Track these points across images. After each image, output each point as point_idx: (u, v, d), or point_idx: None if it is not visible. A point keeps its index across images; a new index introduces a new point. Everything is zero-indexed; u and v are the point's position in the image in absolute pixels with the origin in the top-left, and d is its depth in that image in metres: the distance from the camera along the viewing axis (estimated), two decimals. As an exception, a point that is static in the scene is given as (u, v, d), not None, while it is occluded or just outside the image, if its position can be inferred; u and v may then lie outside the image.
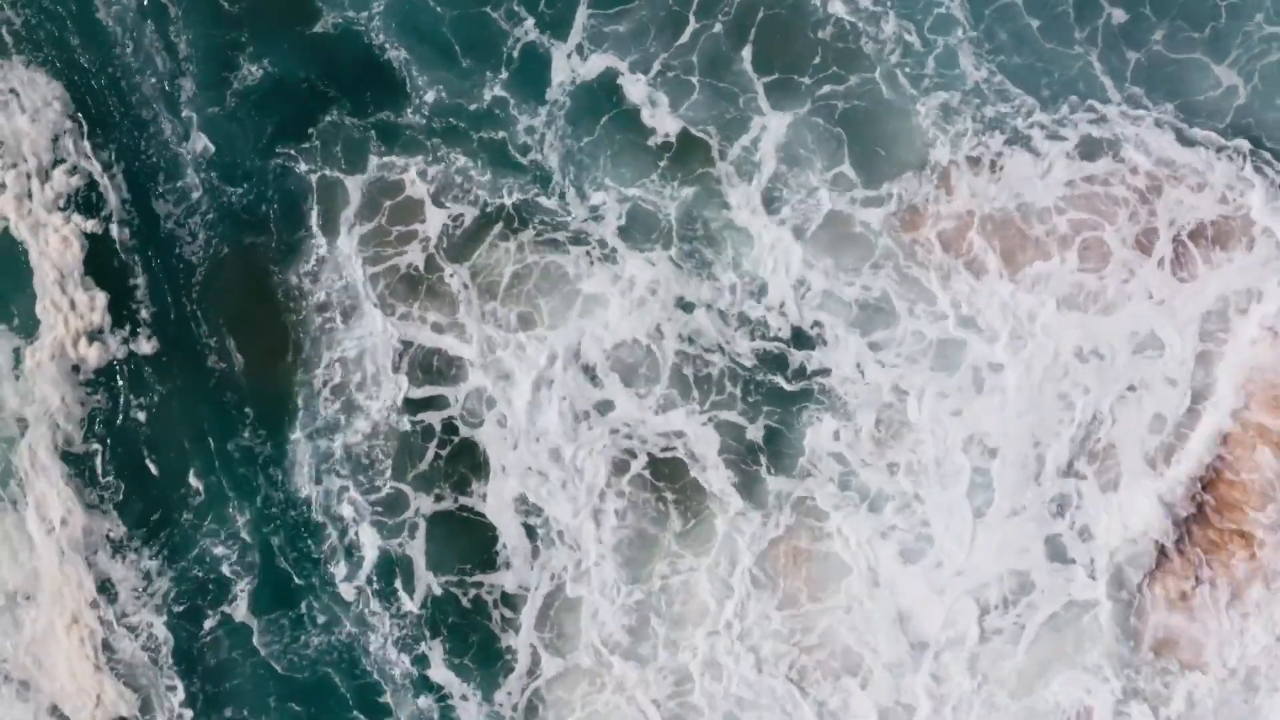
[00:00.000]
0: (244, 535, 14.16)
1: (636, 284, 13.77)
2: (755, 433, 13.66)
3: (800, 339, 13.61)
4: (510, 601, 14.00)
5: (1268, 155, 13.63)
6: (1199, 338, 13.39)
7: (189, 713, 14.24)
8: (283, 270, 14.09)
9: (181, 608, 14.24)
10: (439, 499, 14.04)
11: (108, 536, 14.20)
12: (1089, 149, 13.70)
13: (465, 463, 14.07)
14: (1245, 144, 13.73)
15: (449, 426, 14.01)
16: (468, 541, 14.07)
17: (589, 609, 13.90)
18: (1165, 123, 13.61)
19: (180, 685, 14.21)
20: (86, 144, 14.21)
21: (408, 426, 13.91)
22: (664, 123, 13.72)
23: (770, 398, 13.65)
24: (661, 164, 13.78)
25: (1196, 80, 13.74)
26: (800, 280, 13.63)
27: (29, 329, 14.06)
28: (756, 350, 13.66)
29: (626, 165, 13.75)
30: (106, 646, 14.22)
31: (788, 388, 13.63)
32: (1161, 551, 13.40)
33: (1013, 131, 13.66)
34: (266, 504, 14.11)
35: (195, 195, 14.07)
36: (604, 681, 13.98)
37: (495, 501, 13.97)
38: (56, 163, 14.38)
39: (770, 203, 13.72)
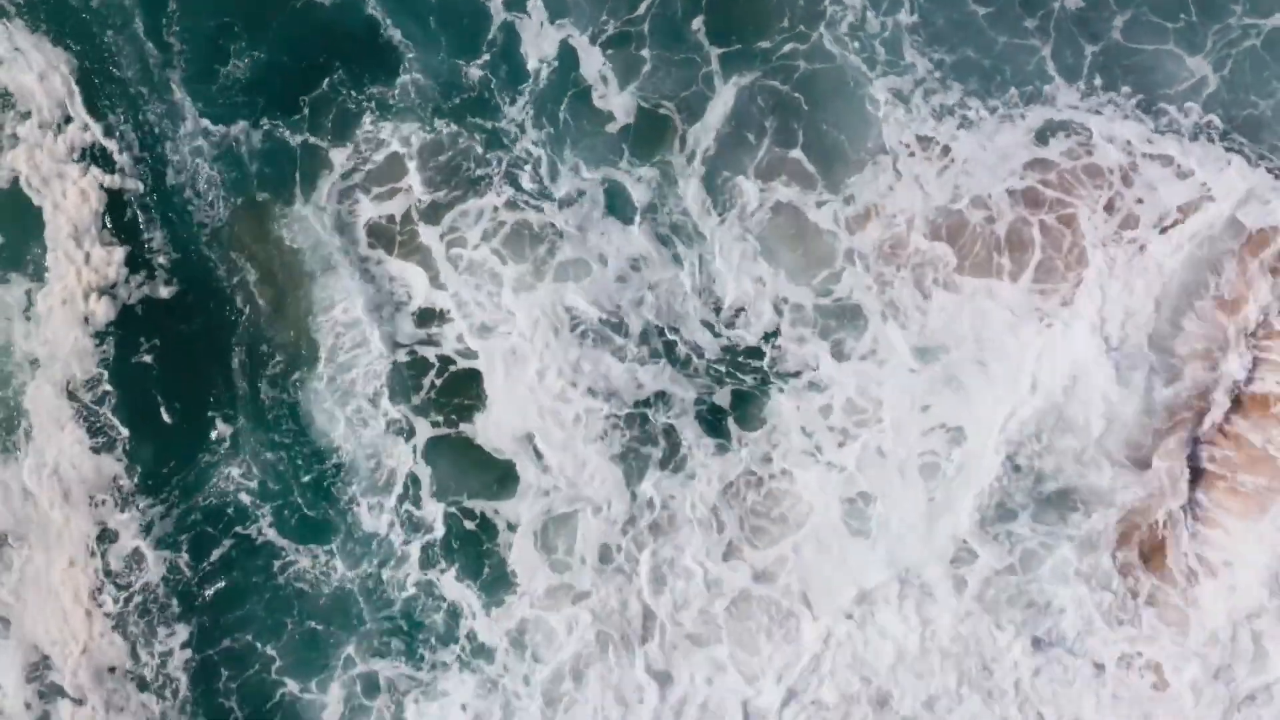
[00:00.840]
0: (254, 469, 14.46)
1: (612, 257, 14.56)
2: (723, 397, 14.52)
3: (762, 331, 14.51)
4: (510, 524, 14.56)
5: (1238, 144, 14.34)
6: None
7: (186, 654, 14.40)
8: (287, 223, 14.53)
9: (186, 547, 14.47)
10: (437, 425, 14.52)
11: (114, 480, 14.37)
12: (1048, 137, 14.47)
13: (464, 392, 14.57)
14: (1214, 127, 14.41)
15: (446, 359, 14.55)
16: (469, 465, 14.56)
17: (582, 528, 14.50)
18: (1129, 112, 14.38)
19: (180, 627, 14.41)
20: (86, 105, 14.32)
21: (406, 360, 14.49)
22: (624, 101, 14.54)
23: (734, 372, 14.54)
24: (627, 144, 14.57)
25: (1165, 71, 14.46)
26: (757, 278, 14.53)
27: (41, 274, 14.25)
28: (722, 339, 14.57)
29: (600, 142, 14.57)
30: (101, 593, 14.28)
31: (751, 366, 14.54)
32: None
33: (963, 119, 14.45)
34: (280, 437, 14.50)
35: (201, 153, 14.43)
36: (595, 594, 14.52)
37: (492, 431, 14.56)
38: (67, 120, 14.39)
39: (718, 193, 14.62)
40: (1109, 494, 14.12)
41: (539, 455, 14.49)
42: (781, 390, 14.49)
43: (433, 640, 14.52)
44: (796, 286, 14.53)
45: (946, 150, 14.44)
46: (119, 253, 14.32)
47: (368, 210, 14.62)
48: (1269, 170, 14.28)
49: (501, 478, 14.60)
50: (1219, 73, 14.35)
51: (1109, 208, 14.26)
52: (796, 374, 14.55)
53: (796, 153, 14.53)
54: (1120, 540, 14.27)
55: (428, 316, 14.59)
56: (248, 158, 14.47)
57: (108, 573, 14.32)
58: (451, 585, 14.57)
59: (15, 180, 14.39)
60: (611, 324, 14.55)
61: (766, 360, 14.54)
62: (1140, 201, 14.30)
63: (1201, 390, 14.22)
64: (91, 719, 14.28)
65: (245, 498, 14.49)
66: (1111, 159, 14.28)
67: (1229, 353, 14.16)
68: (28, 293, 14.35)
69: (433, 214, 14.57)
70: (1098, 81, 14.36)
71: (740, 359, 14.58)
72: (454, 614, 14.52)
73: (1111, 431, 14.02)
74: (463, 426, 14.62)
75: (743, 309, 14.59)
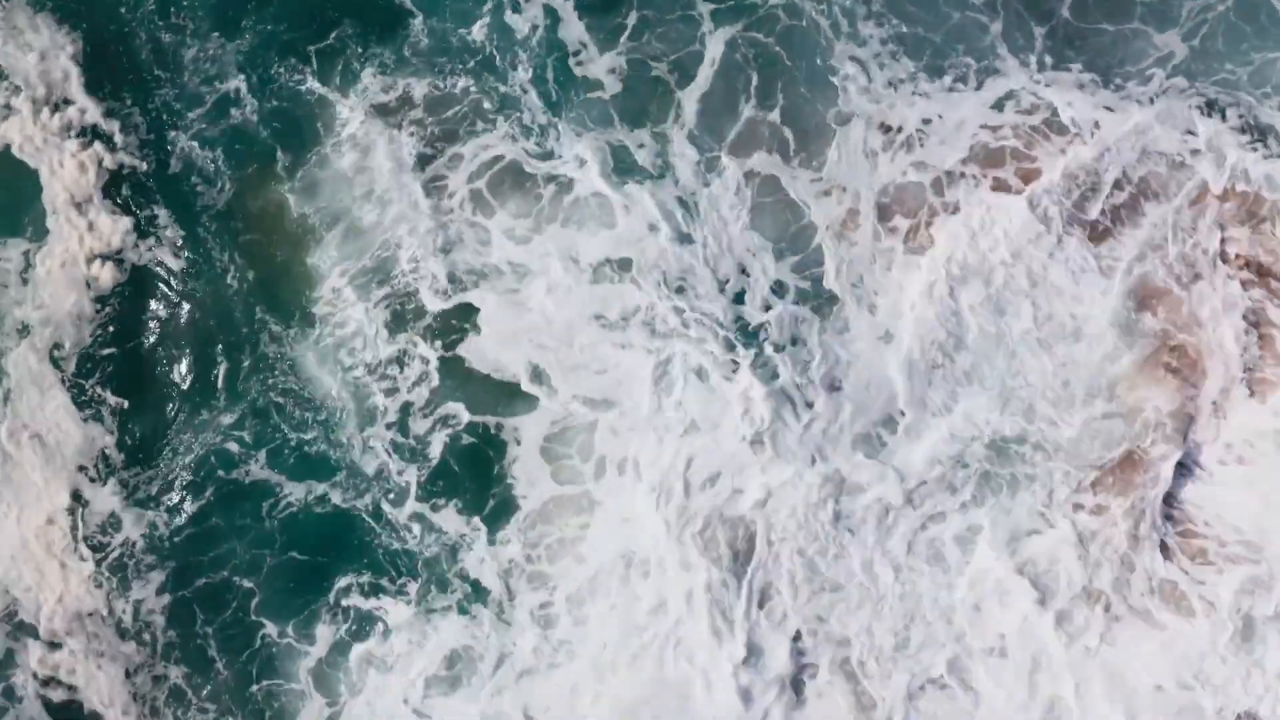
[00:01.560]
0: (248, 417, 14.72)
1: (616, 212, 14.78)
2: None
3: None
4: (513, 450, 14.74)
5: (1205, 113, 14.42)
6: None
7: (165, 600, 14.63)
8: (291, 187, 14.87)
9: (172, 499, 14.71)
10: (442, 348, 14.76)
11: (98, 442, 14.71)
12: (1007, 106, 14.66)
13: (465, 324, 14.81)
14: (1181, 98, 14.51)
15: (448, 307, 14.83)
16: (472, 394, 14.77)
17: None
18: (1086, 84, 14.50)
19: (160, 575, 14.64)
20: (88, 87, 14.73)
21: (408, 307, 14.83)
22: (613, 63, 14.84)
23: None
24: (622, 106, 14.84)
25: (1132, 47, 14.62)
26: (747, 249, 14.70)
27: (42, 236, 14.68)
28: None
29: (599, 105, 14.83)
30: (81, 546, 14.57)
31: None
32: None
33: (924, 95, 14.61)
34: (275, 383, 14.74)
35: (206, 121, 14.85)
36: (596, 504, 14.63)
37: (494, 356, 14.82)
38: (66, 101, 14.85)
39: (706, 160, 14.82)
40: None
41: (545, 380, 14.70)
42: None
43: (427, 574, 14.61)
44: (779, 261, 14.69)
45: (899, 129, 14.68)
46: (124, 221, 14.70)
47: (372, 161, 14.90)
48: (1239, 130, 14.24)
49: (507, 401, 14.73)
50: (1189, 43, 14.25)
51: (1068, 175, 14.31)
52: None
53: (775, 116, 14.69)
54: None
55: (424, 267, 14.83)
56: (253, 123, 14.81)
57: (88, 529, 14.60)
58: (450, 518, 14.65)
59: (8, 147, 14.75)
60: (617, 269, 14.75)
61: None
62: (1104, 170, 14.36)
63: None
64: (69, 662, 14.57)
65: (234, 446, 14.69)
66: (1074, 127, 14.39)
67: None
68: (25, 254, 14.78)
69: (436, 166, 14.82)
70: (1052, 59, 14.51)
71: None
72: (452, 549, 14.62)
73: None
74: (464, 352, 14.71)
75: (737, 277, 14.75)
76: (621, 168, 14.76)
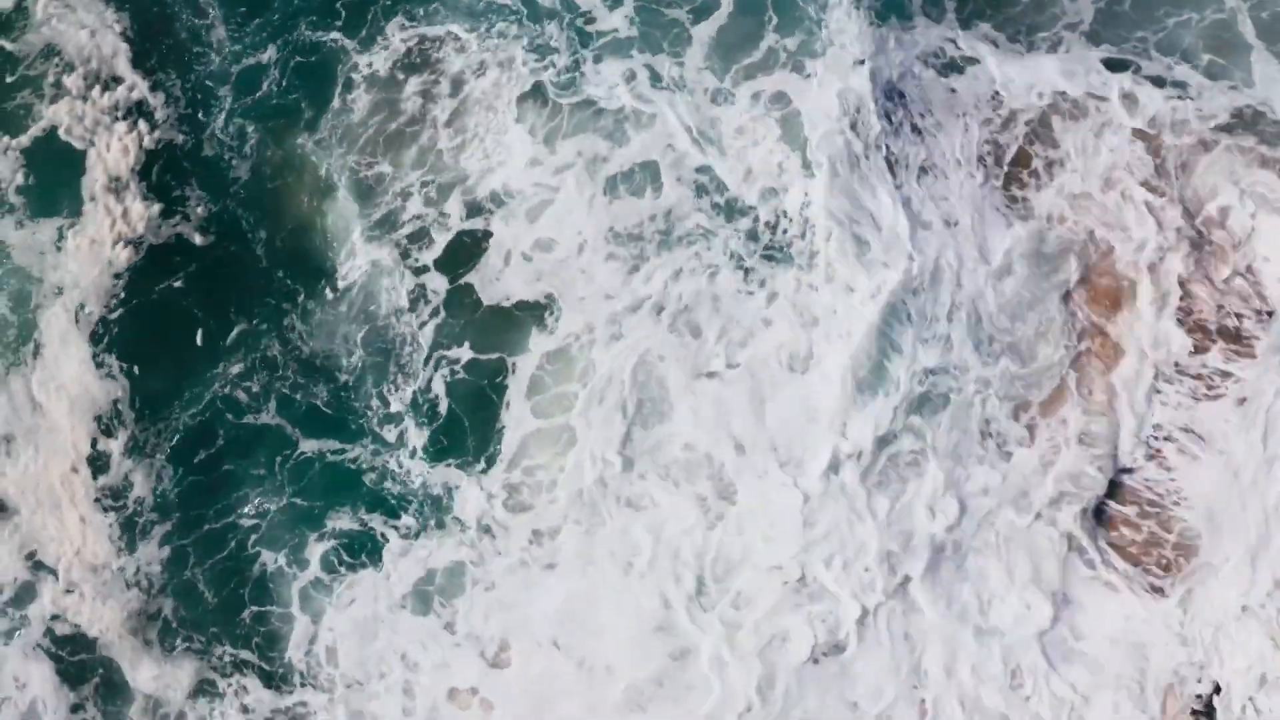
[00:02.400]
0: (258, 369, 15.51)
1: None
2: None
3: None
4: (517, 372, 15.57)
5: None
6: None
7: (166, 551, 15.26)
8: (311, 144, 15.85)
9: (180, 453, 15.44)
10: (449, 282, 15.68)
11: (115, 398, 15.44)
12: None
13: (473, 258, 15.74)
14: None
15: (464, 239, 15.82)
16: (478, 325, 15.66)
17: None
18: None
19: (167, 527, 15.32)
20: (135, 63, 15.62)
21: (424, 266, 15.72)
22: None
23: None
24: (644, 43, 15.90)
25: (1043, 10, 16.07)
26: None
27: (78, 213, 15.56)
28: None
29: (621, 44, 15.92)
30: (98, 497, 15.22)
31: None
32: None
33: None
34: (287, 339, 15.61)
35: (236, 98, 15.85)
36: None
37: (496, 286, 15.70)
38: (115, 79, 15.69)
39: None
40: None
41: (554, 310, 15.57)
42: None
43: (422, 505, 15.31)
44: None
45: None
46: (155, 208, 15.53)
47: (392, 108, 15.92)
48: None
49: (514, 333, 15.61)
50: (1097, 4, 15.80)
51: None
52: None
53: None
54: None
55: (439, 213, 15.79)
56: (279, 85, 15.83)
57: (103, 482, 15.25)
58: (447, 452, 15.44)
59: (55, 128, 15.51)
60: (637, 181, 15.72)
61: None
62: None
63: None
64: (77, 605, 15.13)
65: (243, 395, 15.48)
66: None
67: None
68: (59, 229, 15.59)
69: (455, 102, 15.84)
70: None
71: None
72: (447, 481, 15.36)
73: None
74: (473, 280, 15.61)
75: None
76: (641, 88, 15.76)
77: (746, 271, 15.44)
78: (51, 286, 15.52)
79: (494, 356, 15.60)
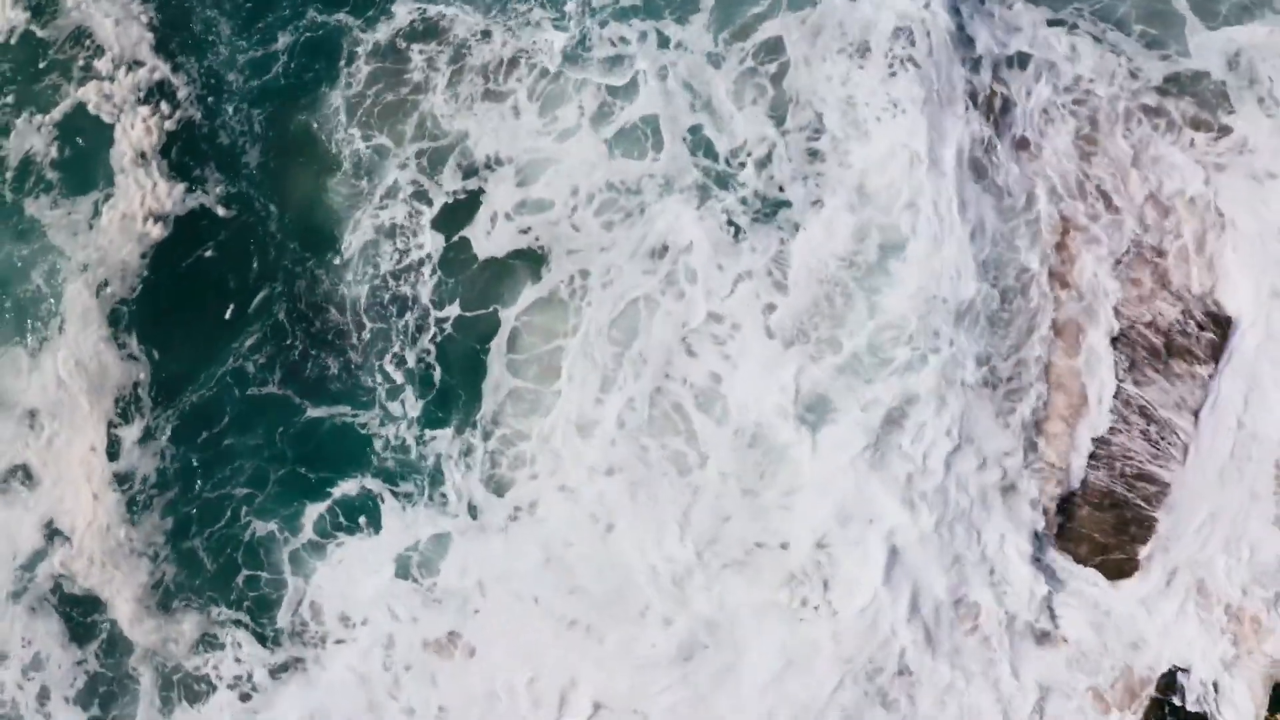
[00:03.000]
0: (268, 340, 16.04)
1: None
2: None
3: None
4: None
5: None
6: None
7: (169, 523, 15.78)
8: (322, 128, 16.45)
9: (191, 432, 15.99)
10: (445, 241, 16.24)
11: (133, 377, 16.01)
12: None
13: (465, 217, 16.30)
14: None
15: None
16: (470, 282, 16.20)
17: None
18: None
19: (174, 494, 15.90)
20: (158, 48, 16.35)
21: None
22: None
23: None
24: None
25: None
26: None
27: (111, 187, 16.15)
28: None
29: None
30: (112, 476, 15.79)
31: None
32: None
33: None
34: (297, 310, 16.17)
35: (249, 80, 16.55)
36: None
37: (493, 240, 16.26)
38: (138, 62, 16.30)
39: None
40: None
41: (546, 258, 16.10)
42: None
43: (416, 472, 15.83)
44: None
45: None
46: (178, 187, 16.11)
47: (402, 81, 16.50)
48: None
49: (506, 288, 16.18)
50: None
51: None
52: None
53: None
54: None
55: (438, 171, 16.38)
56: (286, 64, 16.53)
57: (117, 460, 15.83)
58: (441, 417, 15.93)
59: (84, 105, 16.19)
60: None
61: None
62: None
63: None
64: (86, 571, 15.71)
65: (250, 368, 15.99)
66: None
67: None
68: (95, 203, 16.16)
69: (455, 72, 16.47)
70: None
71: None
72: (439, 446, 15.89)
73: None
74: (465, 238, 16.19)
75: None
76: (649, 49, 16.43)
77: (737, 230, 15.99)
78: (78, 263, 16.11)
79: (488, 311, 16.11)
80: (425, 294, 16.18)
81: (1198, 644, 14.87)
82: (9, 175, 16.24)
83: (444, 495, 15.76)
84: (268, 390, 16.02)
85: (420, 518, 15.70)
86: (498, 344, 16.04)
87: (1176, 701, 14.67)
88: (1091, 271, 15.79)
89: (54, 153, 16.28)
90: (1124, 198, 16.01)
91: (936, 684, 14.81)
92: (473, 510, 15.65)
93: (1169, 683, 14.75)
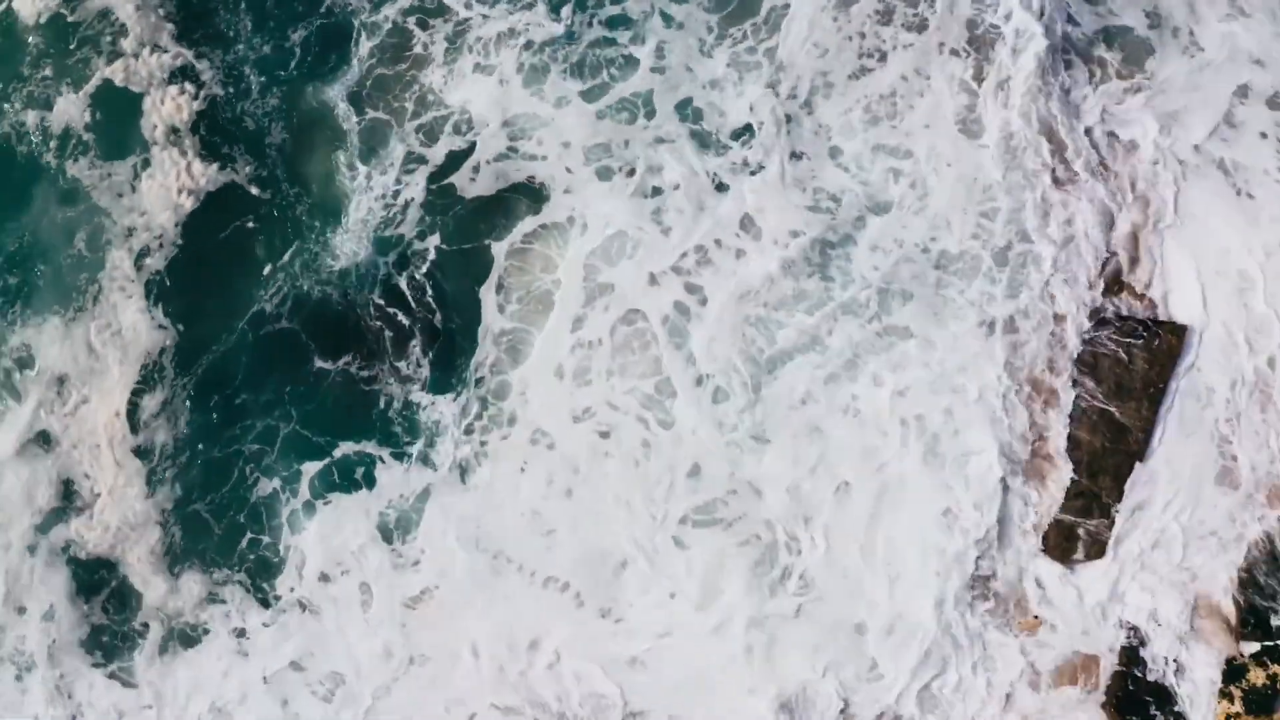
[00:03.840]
0: (287, 289, 16.67)
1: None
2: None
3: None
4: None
5: None
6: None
7: (180, 488, 16.46)
8: (333, 106, 17.04)
9: (207, 402, 16.60)
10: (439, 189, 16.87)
11: (161, 344, 16.59)
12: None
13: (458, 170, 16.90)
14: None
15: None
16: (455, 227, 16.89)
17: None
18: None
19: (187, 462, 16.53)
20: (179, 35, 16.92)
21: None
22: None
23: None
24: None
25: None
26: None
27: (144, 153, 16.73)
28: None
29: None
30: (133, 449, 16.45)
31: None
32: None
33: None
34: (313, 272, 16.78)
35: (267, 64, 17.05)
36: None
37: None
38: (161, 46, 16.83)
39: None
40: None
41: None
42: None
43: (416, 433, 16.51)
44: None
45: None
46: (212, 166, 16.68)
47: (404, 58, 17.12)
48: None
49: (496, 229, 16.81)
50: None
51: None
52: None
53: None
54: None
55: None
56: (300, 46, 17.10)
57: (139, 428, 16.43)
58: (442, 378, 16.64)
59: (111, 81, 16.81)
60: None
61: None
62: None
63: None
64: (101, 536, 16.35)
65: (264, 335, 16.66)
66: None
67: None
68: (134, 167, 16.70)
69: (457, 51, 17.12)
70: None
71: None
72: (430, 415, 16.57)
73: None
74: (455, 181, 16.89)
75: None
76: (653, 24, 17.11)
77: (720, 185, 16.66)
78: (123, 228, 16.66)
79: (482, 245, 16.80)
80: (426, 246, 16.89)
81: (1157, 617, 15.60)
82: (52, 143, 16.88)
83: (435, 451, 16.43)
84: (280, 356, 16.70)
85: (410, 475, 16.42)
86: (490, 284, 16.78)
87: (1138, 674, 15.40)
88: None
89: (90, 120, 16.90)
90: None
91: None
92: (460, 467, 16.38)
93: (1131, 656, 15.42)
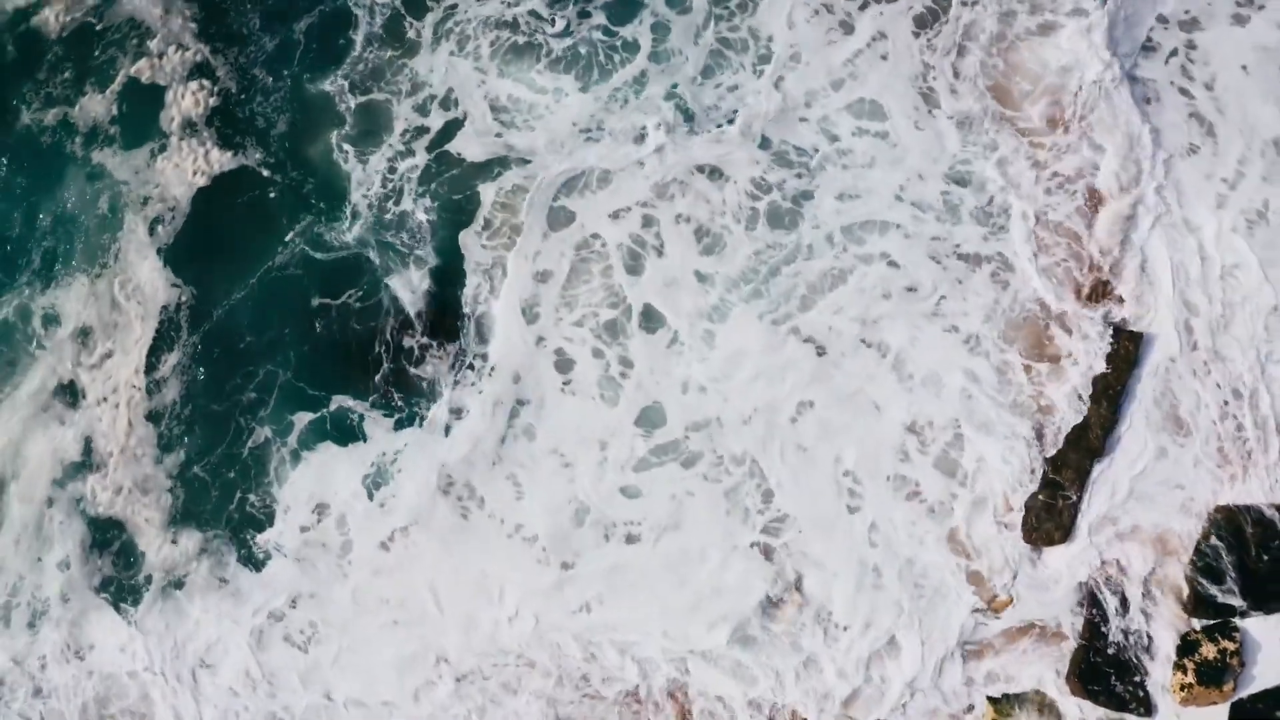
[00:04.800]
0: (297, 265, 17.62)
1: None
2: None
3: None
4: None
5: None
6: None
7: (184, 449, 17.43)
8: (335, 93, 18.12)
9: (214, 365, 17.60)
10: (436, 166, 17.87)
11: (177, 300, 17.68)
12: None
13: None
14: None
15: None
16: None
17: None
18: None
19: (192, 423, 17.48)
20: (199, 34, 18.17)
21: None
22: None
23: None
24: None
25: None
26: None
27: (163, 140, 17.96)
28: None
29: None
30: (145, 411, 17.50)
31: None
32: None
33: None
34: (319, 240, 17.85)
35: (275, 58, 18.23)
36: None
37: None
38: (183, 46, 18.08)
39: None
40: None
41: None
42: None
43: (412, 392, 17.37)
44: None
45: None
46: (227, 154, 17.81)
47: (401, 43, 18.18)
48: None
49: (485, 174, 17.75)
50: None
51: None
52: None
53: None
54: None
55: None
56: (304, 33, 18.28)
57: (151, 390, 17.50)
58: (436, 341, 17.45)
59: (137, 79, 18.08)
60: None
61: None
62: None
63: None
64: (113, 497, 17.43)
65: (273, 292, 17.72)
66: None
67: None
68: (151, 151, 17.92)
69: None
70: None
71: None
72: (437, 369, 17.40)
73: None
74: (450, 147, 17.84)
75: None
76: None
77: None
78: (138, 196, 17.85)
79: (469, 196, 17.68)
80: (420, 211, 17.88)
81: (1119, 596, 16.03)
82: (79, 136, 18.25)
83: (425, 404, 17.28)
84: (284, 312, 17.72)
85: (399, 428, 17.27)
86: (475, 227, 17.69)
87: (1100, 647, 15.88)
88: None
89: (115, 113, 18.26)
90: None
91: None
92: (450, 412, 17.20)
93: (1093, 631, 15.90)
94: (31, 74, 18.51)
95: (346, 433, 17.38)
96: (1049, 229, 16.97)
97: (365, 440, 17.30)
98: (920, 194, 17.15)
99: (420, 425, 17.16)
